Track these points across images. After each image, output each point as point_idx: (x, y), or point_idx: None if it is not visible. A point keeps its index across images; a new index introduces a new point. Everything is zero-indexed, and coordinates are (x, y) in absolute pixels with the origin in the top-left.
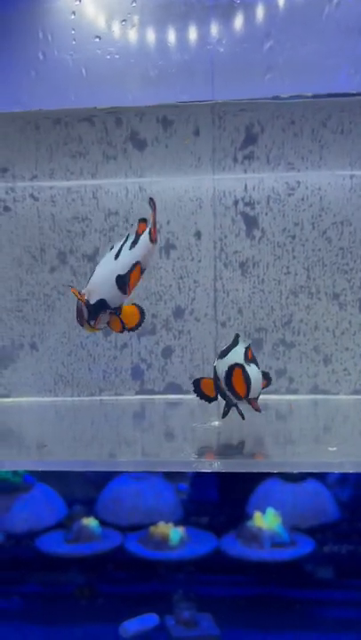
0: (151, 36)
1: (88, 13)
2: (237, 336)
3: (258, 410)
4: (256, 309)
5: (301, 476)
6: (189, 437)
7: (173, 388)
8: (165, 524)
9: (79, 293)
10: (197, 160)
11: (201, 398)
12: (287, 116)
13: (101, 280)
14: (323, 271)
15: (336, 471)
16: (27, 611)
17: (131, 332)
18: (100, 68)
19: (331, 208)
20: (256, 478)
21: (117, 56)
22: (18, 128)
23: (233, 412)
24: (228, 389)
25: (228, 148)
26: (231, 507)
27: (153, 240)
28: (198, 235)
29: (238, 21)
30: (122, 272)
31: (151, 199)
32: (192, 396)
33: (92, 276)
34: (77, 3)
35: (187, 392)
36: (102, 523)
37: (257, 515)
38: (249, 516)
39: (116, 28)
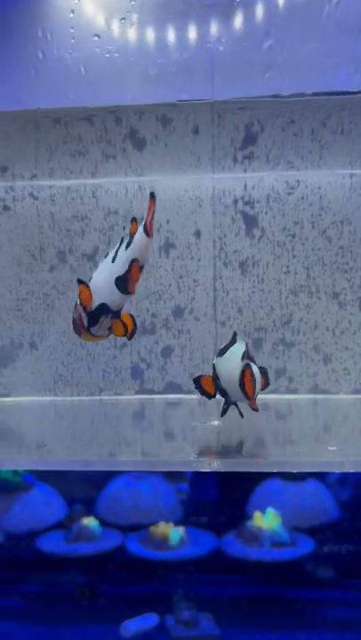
0: (150, 34)
1: (87, 12)
2: (235, 334)
3: (256, 409)
4: (256, 309)
5: (301, 476)
6: (189, 437)
7: (173, 387)
8: (165, 523)
9: (78, 303)
10: (197, 159)
11: (202, 394)
12: (287, 115)
13: (101, 284)
14: (322, 270)
15: (336, 471)
16: (27, 611)
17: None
18: (100, 66)
19: (331, 207)
20: (256, 478)
21: (117, 54)
22: (17, 127)
23: (232, 412)
24: (241, 390)
25: (227, 147)
26: (231, 507)
27: (149, 233)
28: (198, 234)
29: (238, 20)
30: (120, 273)
31: (152, 193)
32: (192, 396)
33: (89, 282)
34: (76, 1)
35: (186, 392)
36: (102, 523)
37: (257, 514)
38: (249, 516)
39: (116, 26)
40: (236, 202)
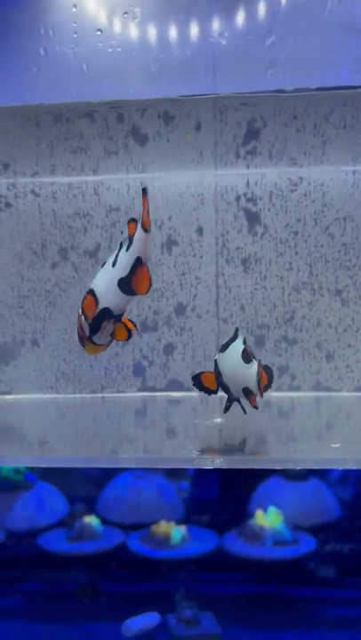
0: (153, 29)
1: (90, 6)
2: (237, 330)
3: (256, 407)
4: (258, 306)
5: (303, 475)
6: (191, 434)
7: (175, 384)
8: (167, 522)
9: (80, 312)
10: (199, 155)
11: (200, 390)
12: (289, 111)
13: (102, 289)
14: (325, 267)
15: (339, 468)
16: (29, 609)
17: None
18: (102, 61)
19: (333, 204)
20: (258, 476)
21: (119, 49)
22: (19, 124)
23: (234, 409)
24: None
25: (229, 142)
26: (233, 505)
27: (146, 229)
28: (200, 231)
29: (240, 15)
30: (123, 274)
31: (144, 188)
32: (194, 393)
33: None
34: None
35: (188, 389)
36: (104, 521)
37: (259, 513)
38: (251, 515)
39: (118, 20)
40: (238, 198)
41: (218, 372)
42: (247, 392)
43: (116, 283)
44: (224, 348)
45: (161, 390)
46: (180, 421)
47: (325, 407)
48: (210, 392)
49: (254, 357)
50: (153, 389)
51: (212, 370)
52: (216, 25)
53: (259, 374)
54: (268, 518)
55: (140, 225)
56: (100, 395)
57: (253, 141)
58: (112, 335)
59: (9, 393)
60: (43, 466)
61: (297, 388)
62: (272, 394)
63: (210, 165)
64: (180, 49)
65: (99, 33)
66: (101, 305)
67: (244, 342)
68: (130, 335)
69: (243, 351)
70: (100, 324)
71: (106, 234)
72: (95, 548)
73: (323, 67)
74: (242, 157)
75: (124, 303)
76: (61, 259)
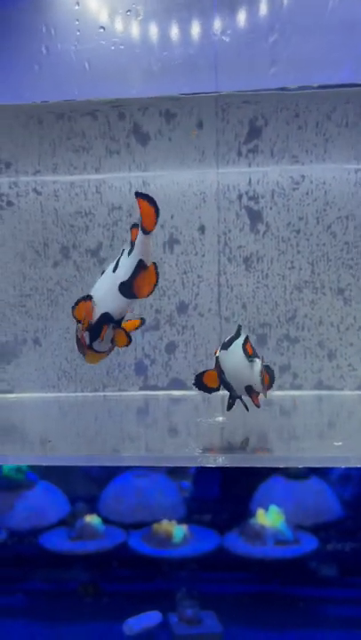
0: (155, 26)
1: (92, 4)
2: (240, 327)
3: (258, 405)
4: (260, 304)
5: (305, 474)
6: (193, 433)
7: (177, 383)
8: (169, 521)
9: (79, 321)
10: (201, 154)
11: (200, 389)
12: (291, 109)
13: (103, 294)
14: (327, 266)
15: (342, 466)
16: (30, 608)
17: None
18: (104, 59)
19: (336, 202)
20: (259, 475)
21: (122, 47)
22: (21, 123)
23: (236, 408)
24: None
25: (231, 141)
26: (234, 504)
27: (145, 230)
28: (202, 229)
29: (242, 13)
30: (124, 278)
31: (136, 192)
32: (196, 392)
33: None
34: None
35: (190, 388)
36: (105, 520)
37: (260, 512)
38: (252, 514)
39: (120, 18)
40: (240, 197)
41: (220, 370)
42: (250, 390)
43: (116, 287)
44: (227, 345)
45: (163, 389)
46: (181, 420)
47: (327, 406)
48: (211, 390)
49: (257, 355)
50: (155, 388)
51: (214, 368)
52: (218, 23)
53: (262, 373)
54: (269, 517)
55: (139, 228)
56: (101, 393)
57: (255, 139)
58: (112, 341)
59: (11, 392)
60: (44, 464)
61: (299, 387)
62: (274, 392)
63: (212, 164)
64: (182, 47)
65: (102, 30)
66: (101, 310)
67: (247, 340)
68: (130, 341)
69: (245, 349)
70: (99, 330)
71: (108, 232)
72: (97, 547)
73: (325, 65)
74: (244, 156)
75: (125, 307)
76: (63, 257)
